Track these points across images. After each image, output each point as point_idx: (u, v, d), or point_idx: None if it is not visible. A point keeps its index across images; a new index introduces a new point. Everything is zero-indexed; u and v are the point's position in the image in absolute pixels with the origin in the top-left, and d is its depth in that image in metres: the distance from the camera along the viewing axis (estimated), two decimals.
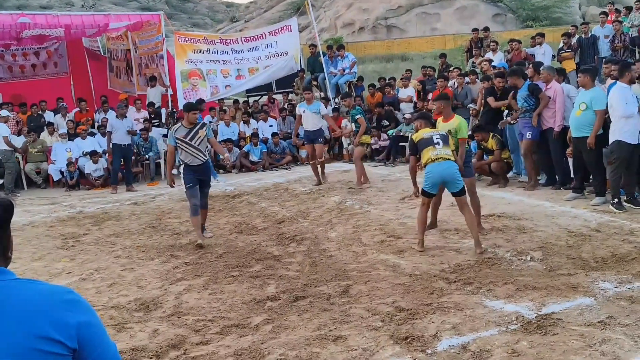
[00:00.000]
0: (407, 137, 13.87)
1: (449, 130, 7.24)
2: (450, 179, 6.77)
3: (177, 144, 8.02)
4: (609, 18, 15.97)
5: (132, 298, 6.08)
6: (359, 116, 11.12)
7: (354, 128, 11.31)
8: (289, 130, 15.72)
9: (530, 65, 10.50)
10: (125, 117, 13.56)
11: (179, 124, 8.28)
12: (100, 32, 16.59)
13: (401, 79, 16.12)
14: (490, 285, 5.59)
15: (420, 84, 15.56)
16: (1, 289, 1.67)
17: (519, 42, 14.59)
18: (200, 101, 14.29)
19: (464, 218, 6.97)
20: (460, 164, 7.10)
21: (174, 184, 8.63)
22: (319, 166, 11.68)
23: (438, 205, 7.68)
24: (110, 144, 13.24)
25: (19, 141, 14.59)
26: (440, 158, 6.77)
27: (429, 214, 7.31)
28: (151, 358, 4.65)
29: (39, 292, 1.71)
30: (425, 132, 7.04)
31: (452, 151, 6.99)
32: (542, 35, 14.91)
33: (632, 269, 5.74)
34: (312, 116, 11.49)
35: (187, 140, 7.96)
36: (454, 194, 6.87)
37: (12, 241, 1.80)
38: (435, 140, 6.85)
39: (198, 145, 7.99)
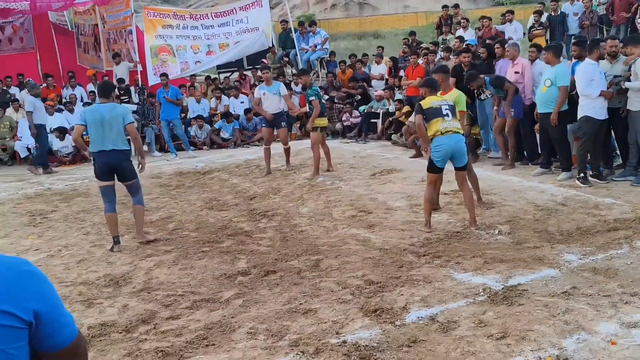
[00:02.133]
0: (379, 113, 13.95)
1: None
2: (459, 154, 6.63)
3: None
4: None
5: (101, 274, 6.04)
6: (312, 98, 9.98)
7: (308, 110, 10.39)
8: None
9: (498, 43, 10.57)
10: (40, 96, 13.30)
11: None
12: (66, 6, 16.26)
13: (374, 55, 16.13)
14: (459, 258, 5.67)
15: (392, 60, 15.57)
16: None
17: (490, 19, 14.68)
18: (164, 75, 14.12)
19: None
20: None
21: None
22: (284, 153, 10.92)
23: (440, 184, 7.43)
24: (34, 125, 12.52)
25: None
26: (450, 131, 6.55)
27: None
28: (121, 333, 4.63)
29: None
30: (433, 100, 6.73)
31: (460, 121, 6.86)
32: (512, 12, 15.01)
33: (596, 242, 5.86)
34: (272, 98, 10.57)
35: None
36: (458, 169, 6.74)
37: None
38: (445, 112, 6.61)
39: None
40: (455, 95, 7.31)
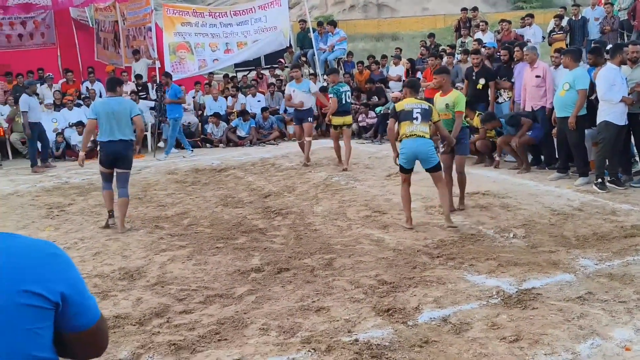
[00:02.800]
0: None
1: (447, 104, 7.26)
2: (423, 156, 6.80)
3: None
4: (600, 0, 15.96)
5: (116, 267, 6.09)
6: (330, 95, 10.64)
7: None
8: (277, 106, 15.68)
9: (517, 47, 10.53)
10: (37, 94, 13.21)
11: None
12: (87, 3, 16.41)
13: (392, 56, 16.11)
14: (473, 260, 5.65)
15: (410, 62, 15.54)
16: None
17: (509, 22, 14.59)
18: (167, 74, 14.15)
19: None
20: (453, 136, 7.20)
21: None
22: (305, 145, 11.40)
23: (452, 184, 7.55)
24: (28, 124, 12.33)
25: (5, 111, 14.47)
26: (415, 134, 6.76)
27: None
28: (134, 325, 4.67)
29: (20, 246, 1.70)
30: (407, 103, 6.96)
31: (438, 123, 7.00)
32: (532, 16, 14.91)
33: (612, 247, 5.82)
34: (301, 95, 11.26)
35: None
36: (427, 170, 6.91)
37: None
38: (415, 115, 6.80)
39: None
40: (455, 96, 7.35)
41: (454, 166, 7.57)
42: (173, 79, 14.64)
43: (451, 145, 7.27)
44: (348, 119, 10.80)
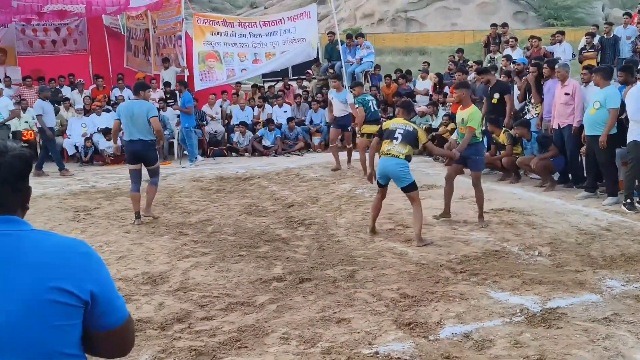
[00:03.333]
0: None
1: (462, 119, 7.31)
2: (392, 176, 6.96)
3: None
4: (633, 19, 15.79)
5: (139, 271, 6.14)
6: (356, 105, 11.11)
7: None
8: (303, 117, 15.74)
9: (545, 64, 10.45)
10: (67, 99, 13.47)
11: None
12: (120, 10, 16.64)
13: (419, 70, 16.09)
14: (497, 277, 5.59)
15: (437, 76, 15.50)
16: (17, 238, 1.69)
17: (539, 39, 14.47)
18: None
19: (471, 211, 6.97)
20: (459, 149, 7.45)
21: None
22: (347, 153, 12.03)
23: (451, 195, 7.79)
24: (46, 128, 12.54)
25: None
26: (389, 154, 6.92)
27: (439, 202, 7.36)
28: (156, 330, 4.70)
29: (54, 244, 1.73)
30: (394, 123, 7.17)
31: (427, 144, 7.20)
32: (563, 33, 14.80)
33: None
34: (338, 103, 11.78)
35: None
36: (402, 189, 7.04)
37: (30, 192, 1.84)
38: (396, 135, 6.96)
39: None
40: (470, 112, 7.44)
41: (471, 180, 7.68)
42: (201, 88, 14.80)
43: (453, 159, 7.47)
44: (375, 127, 10.89)
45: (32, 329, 1.63)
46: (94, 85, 16.49)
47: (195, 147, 13.64)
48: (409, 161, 6.97)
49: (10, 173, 1.72)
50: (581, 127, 9.06)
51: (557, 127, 9.54)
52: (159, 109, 14.39)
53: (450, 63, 16.07)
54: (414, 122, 13.99)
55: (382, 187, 7.18)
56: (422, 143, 7.07)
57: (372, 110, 11.02)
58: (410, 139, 6.95)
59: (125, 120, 8.13)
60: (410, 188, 6.93)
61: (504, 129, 10.35)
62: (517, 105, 11.31)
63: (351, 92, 11.61)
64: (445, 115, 13.24)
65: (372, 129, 10.69)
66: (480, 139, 7.70)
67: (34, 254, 1.68)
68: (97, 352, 1.85)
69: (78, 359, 1.76)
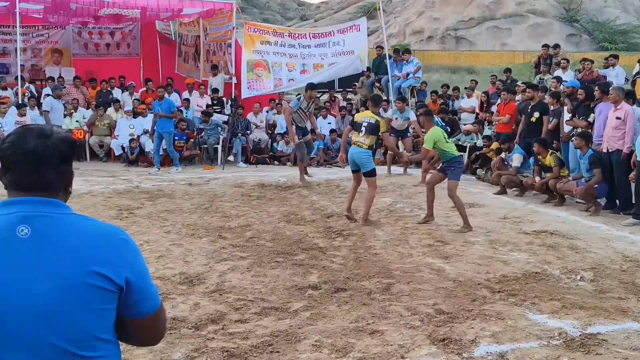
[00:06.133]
0: (466, 147, 13.75)
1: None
2: (357, 161, 8.30)
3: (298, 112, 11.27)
4: None
5: (177, 271, 6.21)
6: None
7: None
8: None
9: (597, 87, 10.23)
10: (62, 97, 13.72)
11: (302, 97, 11.60)
12: (173, 17, 17.00)
13: (466, 88, 15.97)
14: (536, 299, 5.47)
15: (485, 95, 15.34)
16: (58, 221, 1.73)
17: (592, 61, 14.19)
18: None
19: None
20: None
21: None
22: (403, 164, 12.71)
23: (432, 200, 8.43)
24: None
25: (87, 114, 15.21)
26: (357, 143, 8.29)
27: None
28: (190, 329, 4.74)
29: (93, 229, 1.77)
30: (362, 116, 8.55)
31: (384, 134, 8.56)
32: (616, 57, 14.49)
33: None
34: (401, 122, 12.70)
35: (305, 110, 11.39)
36: (363, 174, 8.32)
37: (73, 177, 1.88)
38: (362, 128, 8.27)
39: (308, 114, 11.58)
40: (427, 134, 8.24)
41: (447, 189, 8.23)
42: (248, 96, 14.94)
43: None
44: None
45: (69, 310, 1.66)
46: (144, 89, 16.86)
47: (174, 153, 13.78)
48: (372, 149, 8.69)
49: (55, 155, 1.75)
50: (631, 153, 8.84)
51: (606, 151, 9.33)
52: (207, 114, 14.62)
53: (498, 82, 15.85)
54: (459, 140, 14.00)
55: (355, 173, 8.47)
56: (380, 132, 8.30)
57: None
58: (373, 130, 8.21)
59: None
60: (370, 174, 8.28)
61: (550, 151, 10.16)
62: (567, 128, 11.10)
63: (396, 106, 12.00)
64: (484, 136, 13.10)
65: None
66: (457, 154, 8.40)
67: (74, 237, 1.71)
68: (128, 340, 1.88)
69: (111, 344, 1.78)
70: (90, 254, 1.70)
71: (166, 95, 13.93)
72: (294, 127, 11.37)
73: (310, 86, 11.58)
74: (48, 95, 14.54)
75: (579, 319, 4.99)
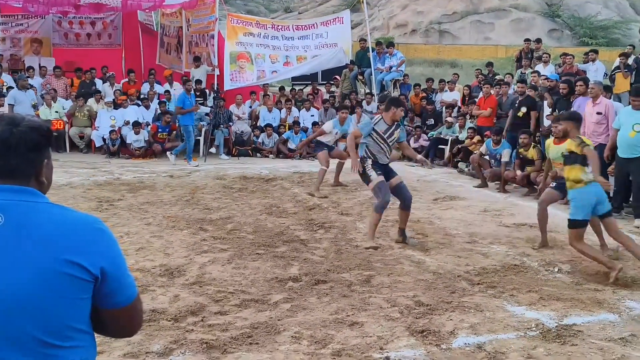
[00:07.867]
0: (447, 140, 13.82)
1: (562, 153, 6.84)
2: None
3: (372, 136, 7.19)
4: None
5: (157, 263, 6.19)
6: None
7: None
8: None
9: (582, 81, 10.29)
10: (28, 89, 13.41)
11: (380, 117, 7.38)
12: (155, 7, 16.81)
13: (448, 82, 16.04)
14: (514, 291, 5.54)
15: (467, 88, 15.42)
16: (33, 210, 1.71)
17: (572, 56, 14.31)
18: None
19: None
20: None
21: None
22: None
23: (546, 220, 7.34)
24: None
25: (67, 105, 15.03)
26: None
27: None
28: (169, 321, 4.73)
29: (69, 218, 1.75)
30: None
31: None
32: (596, 52, 14.64)
33: None
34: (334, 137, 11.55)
35: (384, 136, 7.21)
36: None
37: (50, 168, 1.85)
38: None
39: (391, 145, 7.35)
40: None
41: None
42: (231, 88, 14.85)
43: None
44: None
45: (44, 299, 1.65)
46: (126, 80, 16.70)
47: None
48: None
49: (21, 143, 1.74)
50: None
51: None
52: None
53: (480, 76, 15.92)
54: (440, 133, 14.04)
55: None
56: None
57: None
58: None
59: None
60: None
61: (532, 144, 10.22)
62: (546, 122, 11.18)
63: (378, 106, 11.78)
64: (470, 128, 13.16)
65: None
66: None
67: (49, 225, 1.70)
68: (105, 331, 1.87)
69: (86, 335, 1.78)
70: (65, 243, 1.69)
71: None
72: (370, 161, 7.22)
73: (396, 103, 7.44)
74: (10, 87, 14.31)
75: (556, 310, 5.05)
